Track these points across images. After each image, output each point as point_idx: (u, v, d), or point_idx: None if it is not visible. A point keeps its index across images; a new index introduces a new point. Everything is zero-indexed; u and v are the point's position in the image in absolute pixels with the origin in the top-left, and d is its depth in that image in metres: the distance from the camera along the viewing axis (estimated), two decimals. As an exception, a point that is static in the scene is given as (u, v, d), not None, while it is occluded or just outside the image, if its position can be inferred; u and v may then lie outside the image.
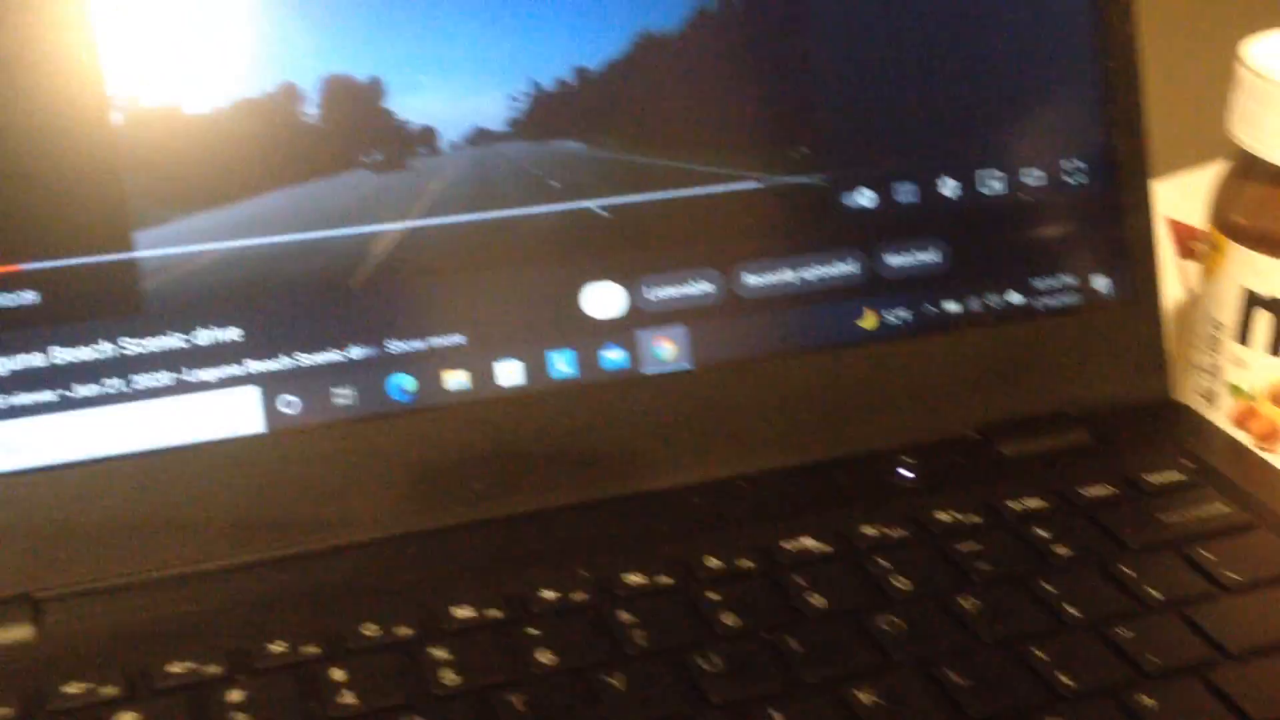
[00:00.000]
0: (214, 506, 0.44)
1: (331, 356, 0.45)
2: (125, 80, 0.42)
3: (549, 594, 0.42)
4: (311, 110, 0.44)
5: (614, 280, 0.48)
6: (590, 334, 0.48)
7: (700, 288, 0.49)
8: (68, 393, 0.43)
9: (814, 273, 0.50)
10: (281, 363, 0.45)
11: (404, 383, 0.46)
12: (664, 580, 0.43)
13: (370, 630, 0.41)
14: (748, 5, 0.49)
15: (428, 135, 0.46)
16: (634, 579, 0.43)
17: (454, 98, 0.46)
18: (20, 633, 0.41)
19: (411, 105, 0.45)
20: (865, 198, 0.51)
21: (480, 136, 0.46)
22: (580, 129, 0.47)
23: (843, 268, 0.51)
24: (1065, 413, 0.52)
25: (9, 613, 0.41)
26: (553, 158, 0.47)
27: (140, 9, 0.42)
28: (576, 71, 0.47)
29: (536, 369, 0.48)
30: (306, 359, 0.45)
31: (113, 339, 0.43)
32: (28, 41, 0.41)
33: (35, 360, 0.42)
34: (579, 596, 0.42)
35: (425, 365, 0.46)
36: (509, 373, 0.47)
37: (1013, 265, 0.52)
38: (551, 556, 0.45)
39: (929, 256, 0.52)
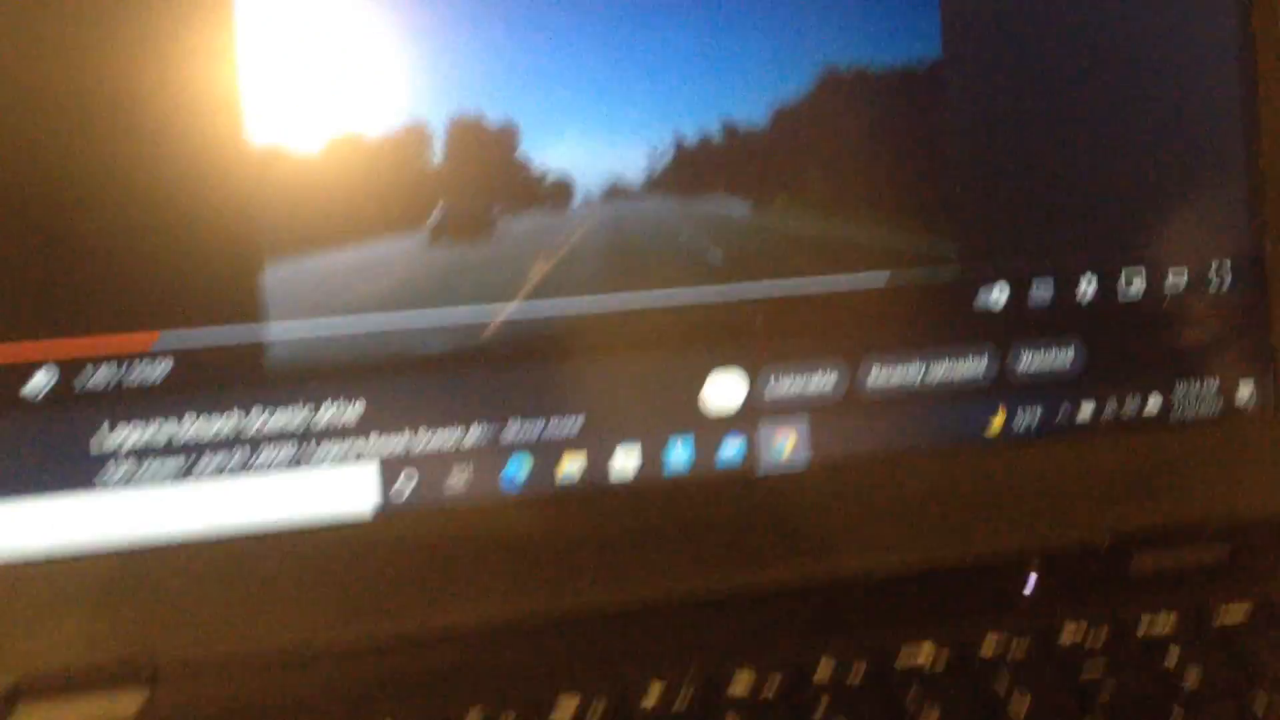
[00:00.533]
0: (325, 584, 0.44)
1: (452, 435, 0.45)
2: (267, 148, 0.43)
3: (654, 690, 0.41)
4: (447, 176, 0.44)
5: (739, 368, 0.47)
6: (711, 423, 0.47)
7: (825, 381, 0.48)
8: (192, 463, 0.43)
9: (942, 370, 0.49)
10: (401, 440, 0.45)
11: (522, 465, 0.46)
12: (774, 682, 0.42)
13: (475, 717, 0.40)
14: (883, 90, 0.47)
15: (563, 196, 0.45)
16: (742, 680, 0.42)
17: (593, 164, 0.45)
18: (136, 696, 0.41)
19: (549, 164, 0.45)
20: (1000, 294, 0.49)
21: (616, 208, 0.45)
22: (717, 213, 0.47)
23: (973, 365, 0.49)
24: (1202, 526, 0.50)
25: (127, 676, 0.41)
26: (688, 237, 0.46)
27: (286, 82, 0.43)
28: (719, 146, 0.46)
29: (653, 456, 0.47)
30: (426, 437, 0.45)
31: (240, 410, 0.43)
32: (173, 109, 0.42)
33: (164, 431, 0.43)
34: (685, 694, 0.41)
35: (544, 448, 0.46)
36: (626, 458, 0.46)
37: (1151, 369, 0.50)
38: (660, 652, 0.44)
39: (1063, 357, 0.50)
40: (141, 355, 0.42)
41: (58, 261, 0.41)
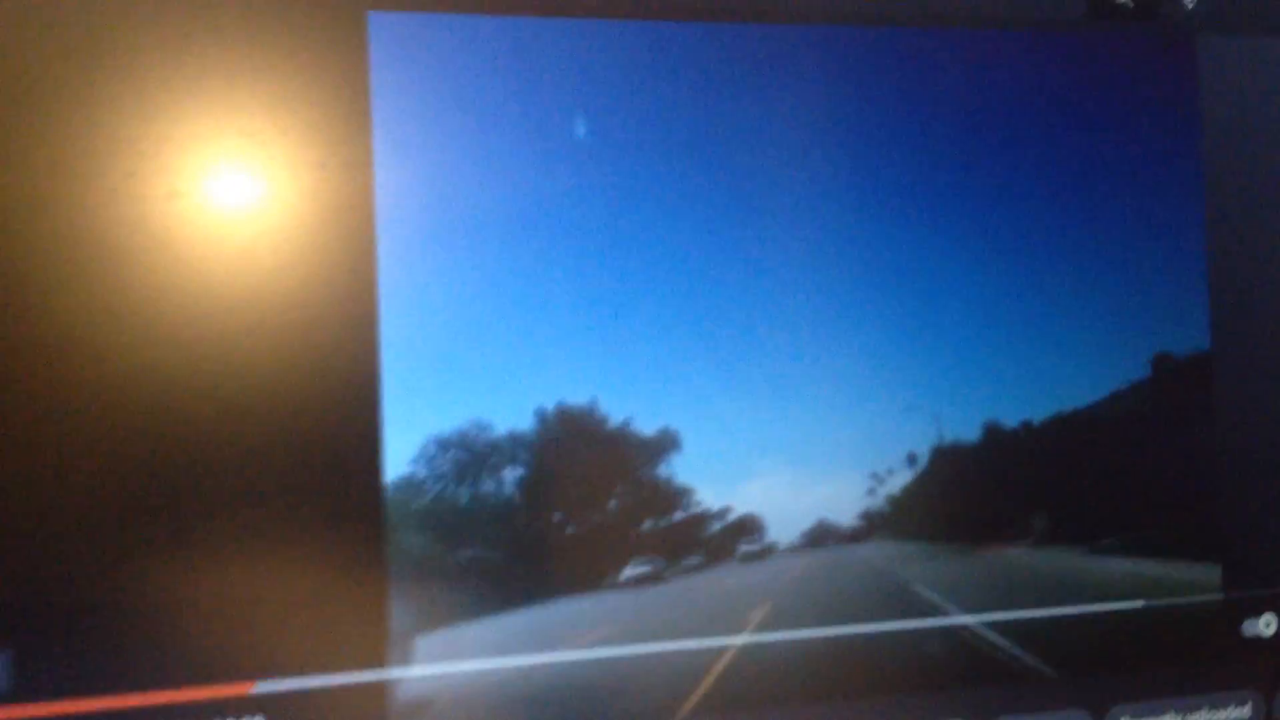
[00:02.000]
0: None
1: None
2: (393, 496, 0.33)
3: None
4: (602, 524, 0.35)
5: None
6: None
7: (1064, 731, 0.38)
8: None
9: (1202, 717, 0.40)
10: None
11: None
12: None
13: None
14: (1139, 399, 0.39)
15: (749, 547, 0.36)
16: None
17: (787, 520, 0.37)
18: None
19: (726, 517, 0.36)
20: (1268, 625, 0.40)
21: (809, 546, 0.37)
22: (930, 533, 0.38)
23: (1235, 712, 0.40)
24: None
25: None
26: (889, 571, 0.38)
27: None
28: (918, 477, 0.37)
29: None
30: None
31: (349, 784, 0.33)
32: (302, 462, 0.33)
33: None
34: None
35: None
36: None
37: None
38: None
39: (1338, 700, 0.41)
40: (231, 710, 0.32)
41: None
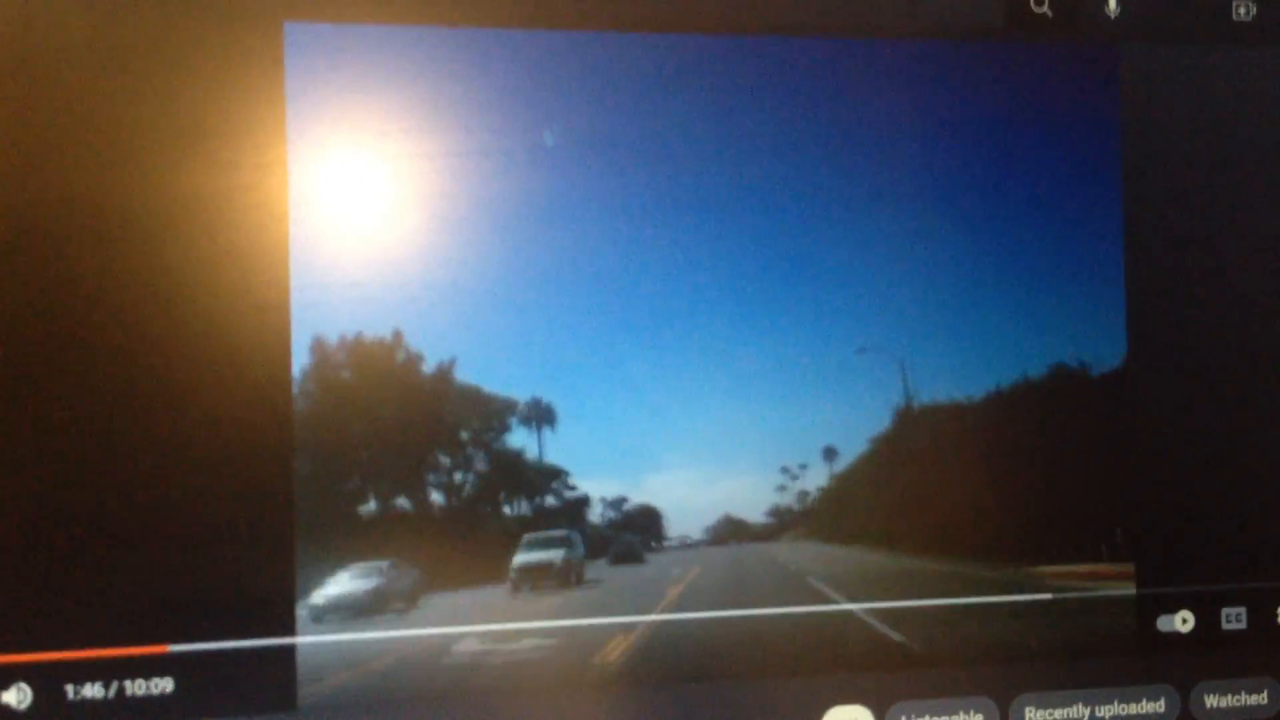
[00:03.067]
0: None
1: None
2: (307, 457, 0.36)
3: None
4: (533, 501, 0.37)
5: (864, 705, 0.38)
6: (827, 770, 0.38)
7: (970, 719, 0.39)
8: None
9: (1113, 710, 0.40)
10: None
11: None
12: None
13: None
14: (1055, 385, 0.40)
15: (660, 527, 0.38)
16: None
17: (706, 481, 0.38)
18: None
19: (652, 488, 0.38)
20: (1183, 622, 0.40)
21: (731, 524, 0.38)
22: (855, 520, 0.39)
23: (1150, 706, 0.40)
24: None
25: None
26: (812, 550, 0.38)
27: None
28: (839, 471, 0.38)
29: (756, 809, 0.38)
30: (480, 779, 0.36)
31: (255, 742, 0.35)
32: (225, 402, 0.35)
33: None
34: None
35: (621, 796, 0.37)
36: (723, 812, 0.38)
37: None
38: None
39: (1257, 699, 0.41)
40: (142, 670, 0.34)
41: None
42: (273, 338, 0.36)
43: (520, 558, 0.37)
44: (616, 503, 0.37)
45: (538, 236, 0.37)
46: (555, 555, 0.37)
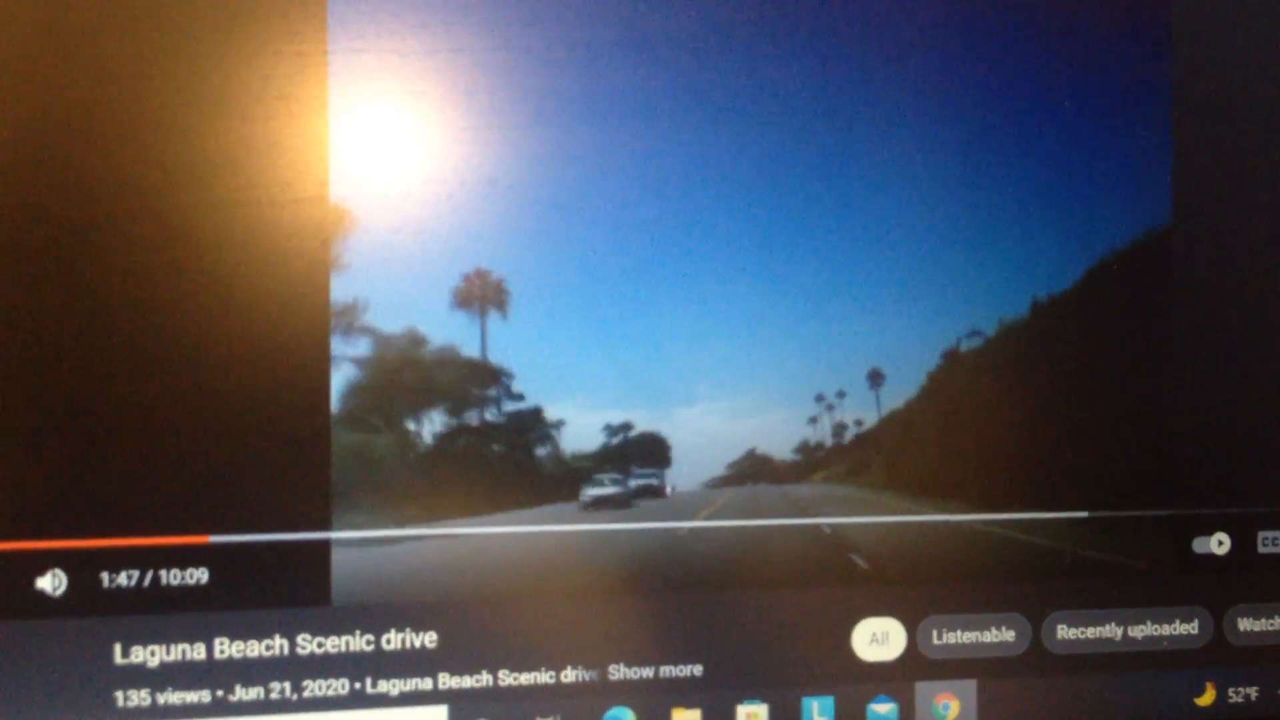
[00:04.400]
0: None
1: (538, 678, 0.37)
2: (343, 354, 0.35)
3: None
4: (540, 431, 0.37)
5: (894, 618, 0.38)
6: (856, 679, 0.38)
7: (1000, 636, 0.39)
8: (226, 695, 0.35)
9: (1145, 630, 0.40)
10: (478, 679, 0.36)
11: (622, 719, 0.37)
12: None
13: None
14: (1097, 298, 0.39)
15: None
16: None
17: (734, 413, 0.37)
18: None
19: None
20: (1219, 544, 0.40)
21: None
22: (890, 427, 0.38)
23: (1182, 628, 0.40)
24: None
25: None
26: (840, 457, 0.38)
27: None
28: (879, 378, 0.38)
29: (786, 717, 0.38)
30: (509, 678, 0.36)
31: (289, 635, 0.35)
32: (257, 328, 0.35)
33: (195, 653, 0.35)
34: None
35: (650, 699, 0.37)
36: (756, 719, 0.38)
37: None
38: None
39: (1292, 623, 0.40)
40: (177, 561, 0.35)
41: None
42: (311, 228, 0.35)
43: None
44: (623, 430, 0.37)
45: (576, 135, 0.37)
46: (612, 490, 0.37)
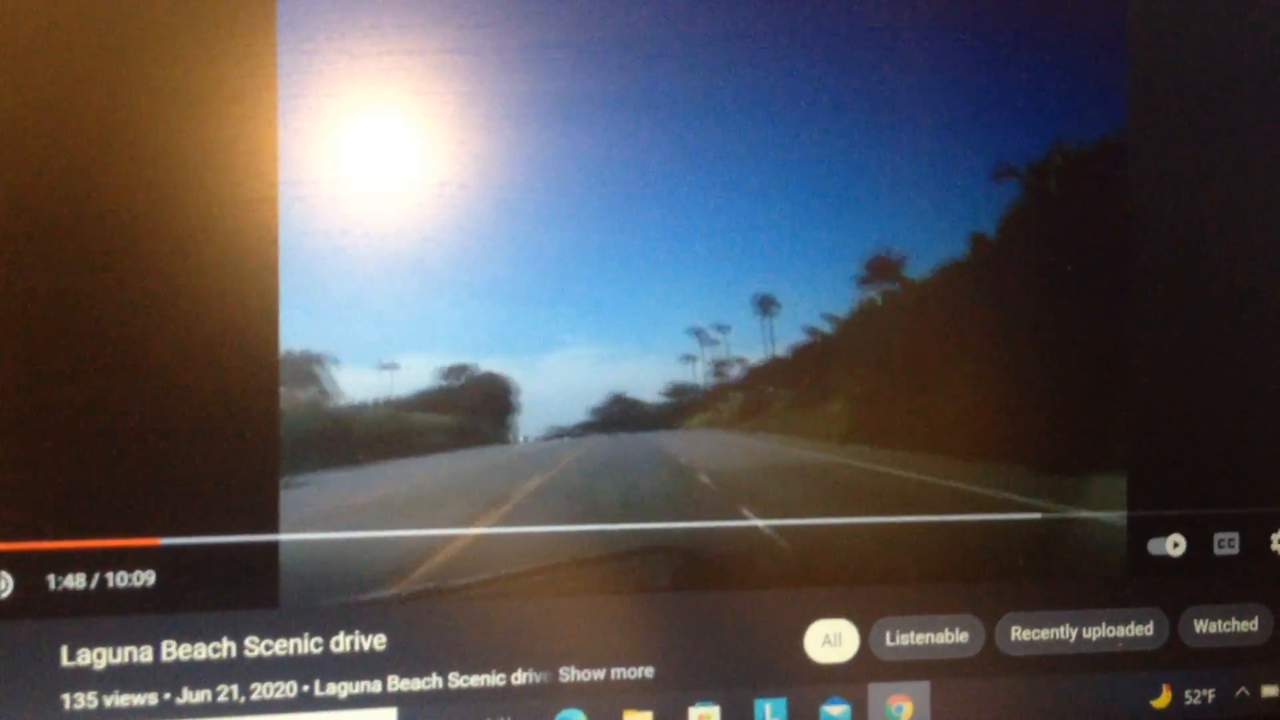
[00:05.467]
0: None
1: (489, 680, 0.36)
2: (294, 343, 0.35)
3: None
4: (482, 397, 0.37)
5: (847, 619, 0.38)
6: (809, 681, 0.38)
7: (954, 637, 0.39)
8: (174, 698, 0.35)
9: (1101, 632, 0.39)
10: (428, 682, 0.36)
11: (573, 721, 0.37)
12: None
13: None
14: (1053, 304, 0.39)
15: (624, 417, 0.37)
16: None
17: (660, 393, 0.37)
18: None
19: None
20: (1175, 546, 0.40)
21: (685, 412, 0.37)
22: (831, 423, 0.38)
23: (1138, 630, 0.40)
24: None
25: None
26: (787, 454, 0.38)
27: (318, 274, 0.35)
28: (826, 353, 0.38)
29: (738, 719, 0.38)
30: (459, 680, 0.36)
31: (237, 637, 0.35)
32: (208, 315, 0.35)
33: (142, 655, 0.35)
34: None
35: (601, 701, 0.37)
36: (703, 721, 0.38)
37: (1359, 648, 0.40)
38: None
39: (1247, 626, 0.40)
40: (124, 563, 0.34)
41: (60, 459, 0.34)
42: (260, 230, 0.35)
43: None
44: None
45: (531, 135, 0.37)
46: None
